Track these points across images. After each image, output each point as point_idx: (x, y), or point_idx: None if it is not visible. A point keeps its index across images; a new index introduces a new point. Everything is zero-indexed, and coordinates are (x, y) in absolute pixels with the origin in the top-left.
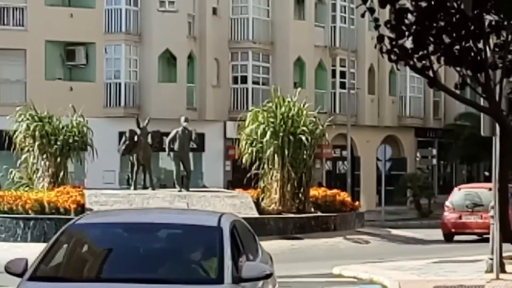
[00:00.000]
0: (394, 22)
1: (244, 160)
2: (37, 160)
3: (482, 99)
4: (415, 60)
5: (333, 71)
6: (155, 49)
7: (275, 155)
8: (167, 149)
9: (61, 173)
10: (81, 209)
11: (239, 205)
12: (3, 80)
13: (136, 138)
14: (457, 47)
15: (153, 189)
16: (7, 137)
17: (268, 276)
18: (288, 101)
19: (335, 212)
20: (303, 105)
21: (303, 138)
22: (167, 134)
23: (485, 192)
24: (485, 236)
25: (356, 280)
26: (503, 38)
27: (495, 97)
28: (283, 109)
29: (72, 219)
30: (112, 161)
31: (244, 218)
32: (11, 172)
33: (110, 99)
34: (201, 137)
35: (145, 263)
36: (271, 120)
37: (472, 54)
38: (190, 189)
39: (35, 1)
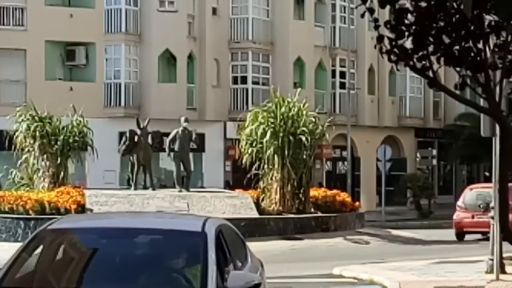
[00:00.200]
0: (393, 22)
1: (244, 161)
2: (37, 160)
3: (482, 100)
4: (415, 60)
5: (333, 71)
6: (155, 49)
7: (275, 156)
8: (167, 150)
9: (62, 173)
10: (81, 209)
11: (239, 205)
12: (3, 80)
13: (136, 139)
14: (457, 47)
15: (154, 189)
16: (7, 137)
17: (257, 286)
18: (288, 101)
19: (335, 212)
20: (303, 105)
21: (303, 138)
22: (167, 134)
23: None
24: None
25: (356, 280)
26: (503, 38)
27: (495, 98)
28: (283, 109)
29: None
30: (113, 161)
31: (244, 219)
32: (12, 172)
33: (110, 99)
34: (201, 137)
35: (122, 272)
36: (271, 120)
37: (472, 54)
38: (190, 189)
39: (35, 1)
